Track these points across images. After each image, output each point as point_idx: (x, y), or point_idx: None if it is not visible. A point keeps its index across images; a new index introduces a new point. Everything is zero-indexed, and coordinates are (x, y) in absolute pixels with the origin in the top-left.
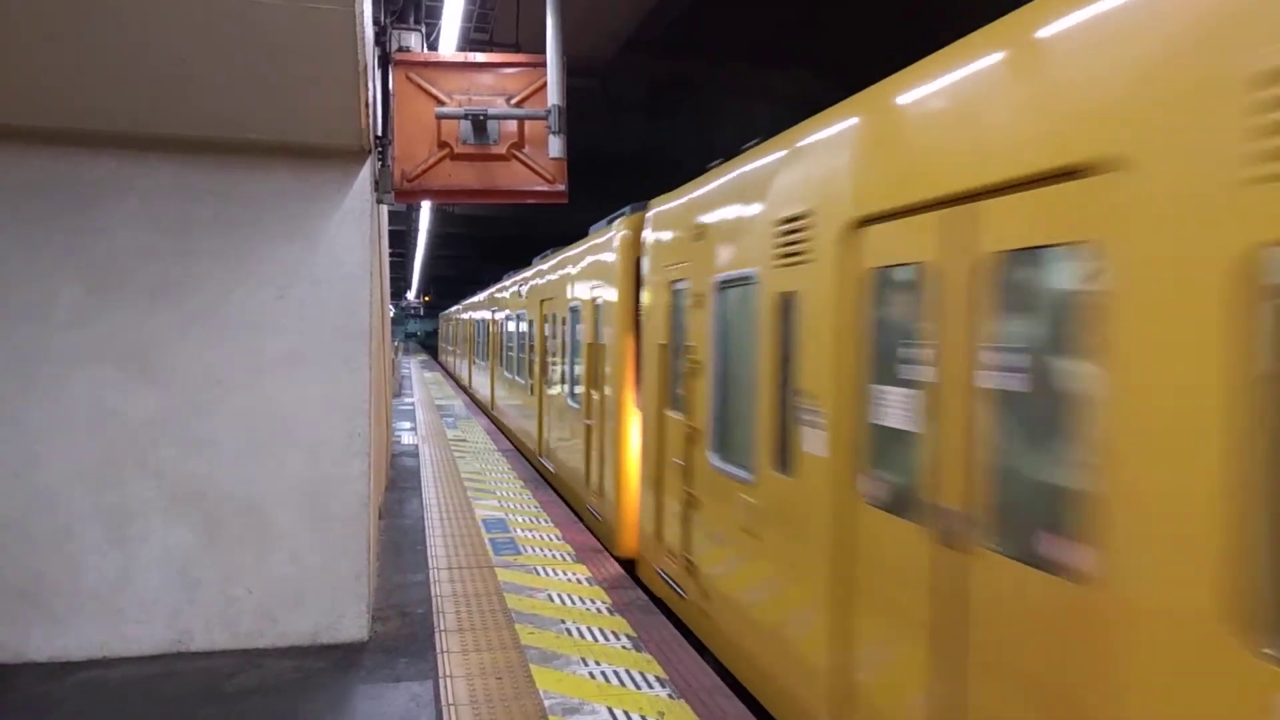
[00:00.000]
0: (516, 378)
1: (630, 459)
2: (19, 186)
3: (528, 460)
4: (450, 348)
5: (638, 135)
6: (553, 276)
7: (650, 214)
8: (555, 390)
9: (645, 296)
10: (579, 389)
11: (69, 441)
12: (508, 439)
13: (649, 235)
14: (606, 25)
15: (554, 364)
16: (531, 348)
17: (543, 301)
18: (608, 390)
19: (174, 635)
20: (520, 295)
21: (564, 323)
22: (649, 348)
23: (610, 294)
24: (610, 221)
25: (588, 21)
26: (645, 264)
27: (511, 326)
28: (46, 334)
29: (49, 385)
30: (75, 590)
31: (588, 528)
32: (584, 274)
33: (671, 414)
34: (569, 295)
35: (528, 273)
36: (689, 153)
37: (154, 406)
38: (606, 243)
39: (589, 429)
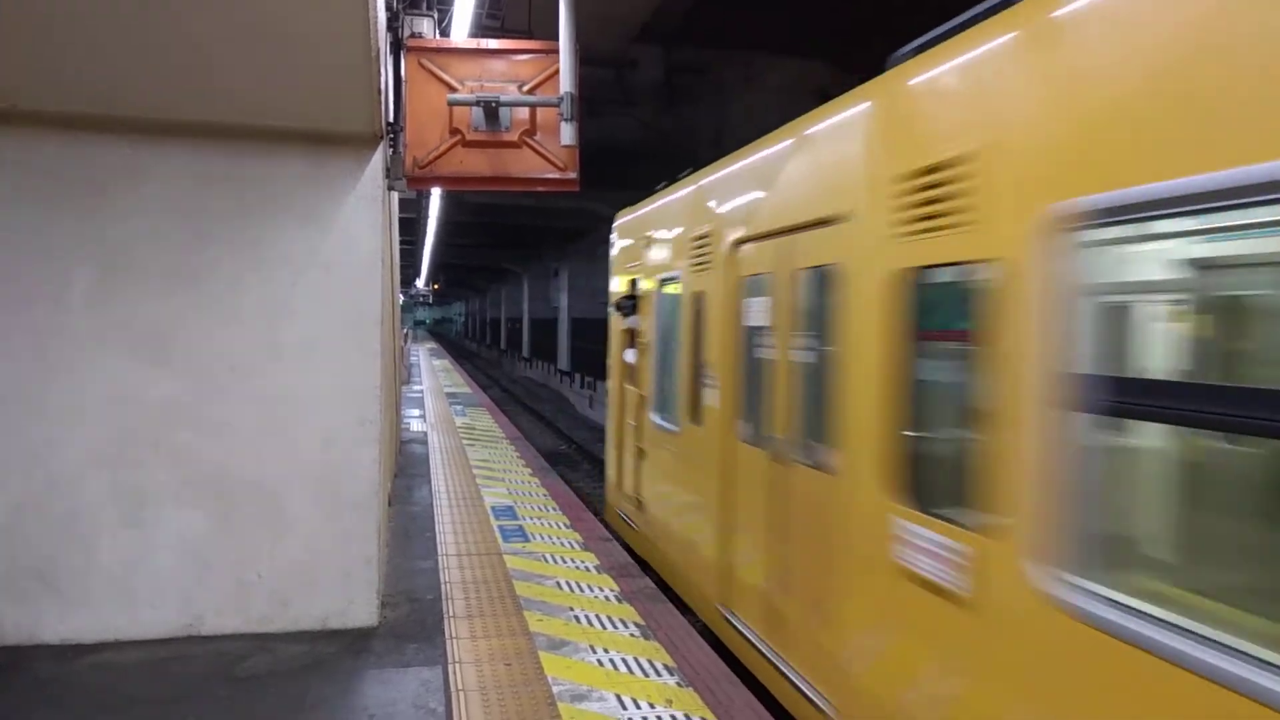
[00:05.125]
0: None
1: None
2: (35, 170)
3: None
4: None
5: (654, 124)
6: None
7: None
8: None
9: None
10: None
11: (84, 424)
12: None
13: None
14: (621, 14)
15: None
16: None
17: None
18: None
19: (186, 618)
20: None
21: None
22: None
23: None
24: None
25: (603, 10)
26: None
27: None
28: (62, 317)
29: (65, 368)
30: (88, 572)
31: None
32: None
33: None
34: None
35: None
36: (705, 141)
37: (169, 390)
38: None
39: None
